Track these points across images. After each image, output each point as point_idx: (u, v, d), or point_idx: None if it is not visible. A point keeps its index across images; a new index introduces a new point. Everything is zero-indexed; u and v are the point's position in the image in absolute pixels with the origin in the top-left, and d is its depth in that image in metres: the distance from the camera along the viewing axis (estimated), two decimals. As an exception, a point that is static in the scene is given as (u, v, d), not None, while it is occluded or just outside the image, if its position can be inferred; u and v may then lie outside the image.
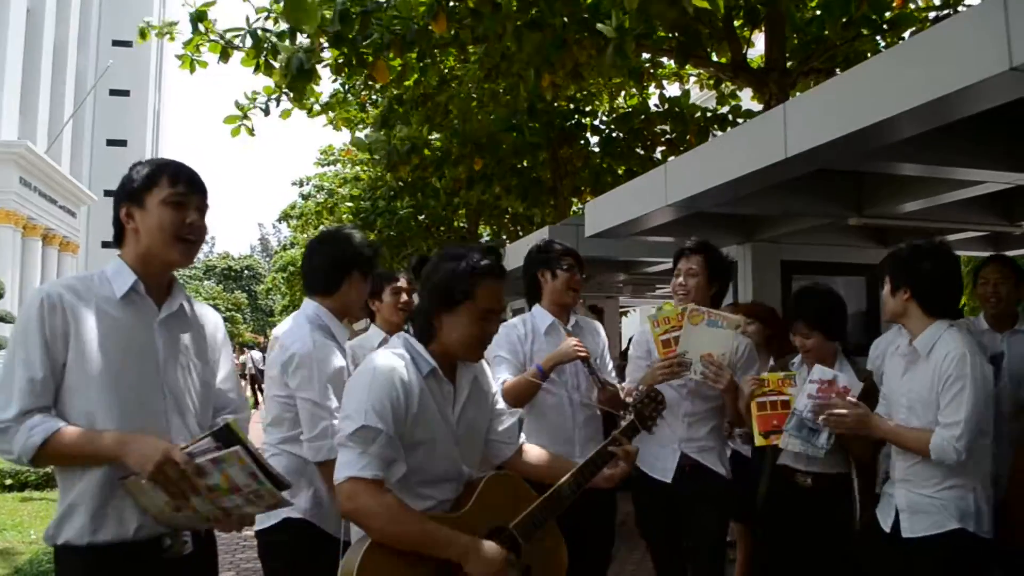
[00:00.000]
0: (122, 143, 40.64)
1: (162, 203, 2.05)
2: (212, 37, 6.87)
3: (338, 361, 2.71)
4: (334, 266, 2.85)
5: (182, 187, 2.08)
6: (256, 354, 25.09)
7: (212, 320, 2.30)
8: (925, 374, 2.74)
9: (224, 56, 6.91)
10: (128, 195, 2.07)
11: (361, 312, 3.91)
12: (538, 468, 2.42)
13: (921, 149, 3.35)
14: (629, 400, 2.51)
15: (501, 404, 2.46)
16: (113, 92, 40.17)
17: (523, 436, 2.50)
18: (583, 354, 3.21)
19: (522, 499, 2.24)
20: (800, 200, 4.50)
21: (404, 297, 3.93)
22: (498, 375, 3.19)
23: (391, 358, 2.11)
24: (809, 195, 4.46)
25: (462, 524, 2.08)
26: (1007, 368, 3.72)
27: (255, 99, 7.82)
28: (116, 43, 39.85)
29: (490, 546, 2.05)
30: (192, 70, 7.15)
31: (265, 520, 2.72)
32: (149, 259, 2.08)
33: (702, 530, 3.36)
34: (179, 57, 7.06)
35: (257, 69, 6.90)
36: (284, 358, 2.66)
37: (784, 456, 3.32)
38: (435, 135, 10.64)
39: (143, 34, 7.25)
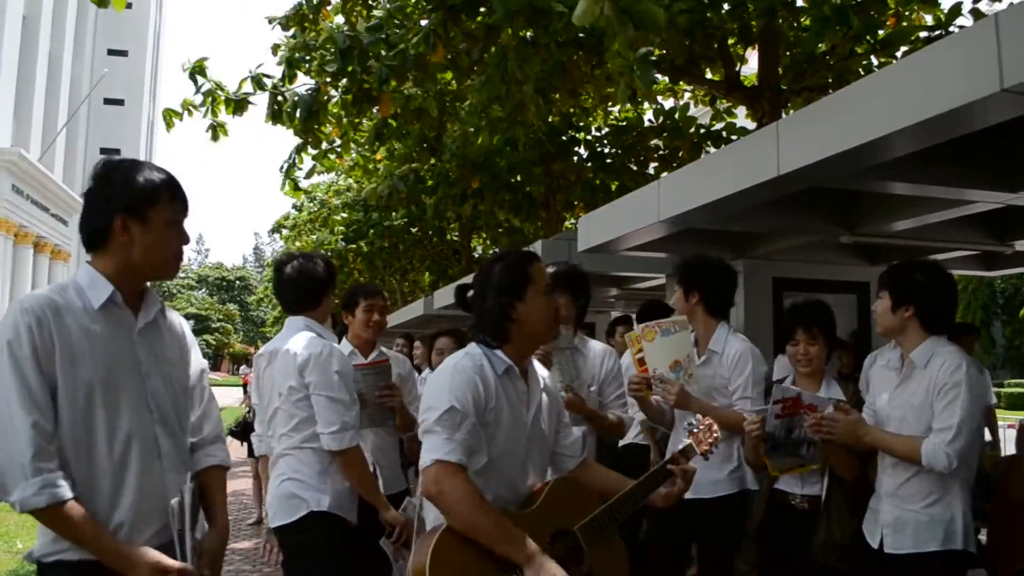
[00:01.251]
0: (116, 152, 40.53)
1: (167, 223, 2.02)
2: (219, 93, 7.04)
3: (344, 359, 3.08)
4: (315, 283, 3.21)
5: (180, 204, 2.06)
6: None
7: (179, 321, 2.24)
8: (920, 384, 2.76)
9: (240, 110, 7.03)
10: (127, 206, 1.96)
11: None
12: (597, 484, 2.50)
13: (913, 168, 3.36)
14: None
15: (567, 418, 2.58)
16: (107, 101, 40.11)
17: (586, 452, 2.58)
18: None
19: (585, 504, 2.31)
20: (792, 217, 4.51)
21: (376, 316, 3.75)
22: None
23: (470, 357, 2.26)
24: (801, 213, 4.47)
25: (529, 522, 2.14)
26: None
27: (298, 162, 8.56)
28: (111, 52, 39.86)
29: (553, 564, 2.06)
30: (217, 138, 7.25)
31: (289, 514, 2.98)
32: (135, 272, 2.02)
33: (704, 559, 3.43)
34: (208, 129, 7.17)
35: (276, 121, 7.12)
36: (299, 363, 2.98)
37: (781, 481, 3.30)
38: (432, 161, 10.63)
39: (168, 122, 7.19)
